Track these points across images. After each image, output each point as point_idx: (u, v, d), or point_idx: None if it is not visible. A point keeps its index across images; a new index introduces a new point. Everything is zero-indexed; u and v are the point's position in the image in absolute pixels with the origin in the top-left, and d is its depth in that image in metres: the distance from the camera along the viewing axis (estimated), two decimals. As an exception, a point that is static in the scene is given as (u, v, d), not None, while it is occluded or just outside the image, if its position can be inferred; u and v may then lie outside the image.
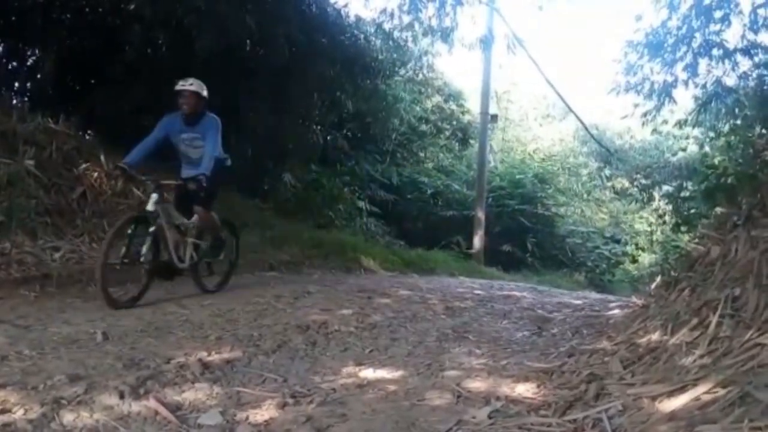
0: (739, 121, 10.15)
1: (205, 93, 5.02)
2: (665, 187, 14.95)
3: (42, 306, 4.13)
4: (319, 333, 3.82)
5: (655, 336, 2.91)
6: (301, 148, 10.80)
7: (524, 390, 2.63)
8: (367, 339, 3.80)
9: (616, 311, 4.89)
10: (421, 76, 15.83)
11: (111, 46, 7.86)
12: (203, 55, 7.53)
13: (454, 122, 16.80)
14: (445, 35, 10.46)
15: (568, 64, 40.40)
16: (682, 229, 11.94)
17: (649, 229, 19.65)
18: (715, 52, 9.05)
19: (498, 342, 3.85)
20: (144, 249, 4.53)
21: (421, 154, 16.86)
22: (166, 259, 4.82)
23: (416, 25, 10.63)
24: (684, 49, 9.23)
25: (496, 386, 2.70)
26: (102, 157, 6.78)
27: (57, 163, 6.39)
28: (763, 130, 7.98)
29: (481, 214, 14.42)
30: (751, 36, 8.79)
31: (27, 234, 5.39)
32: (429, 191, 15.63)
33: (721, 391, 1.98)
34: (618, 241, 19.44)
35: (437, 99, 17.36)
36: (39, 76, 8.52)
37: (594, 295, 8.48)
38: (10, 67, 8.60)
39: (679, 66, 9.42)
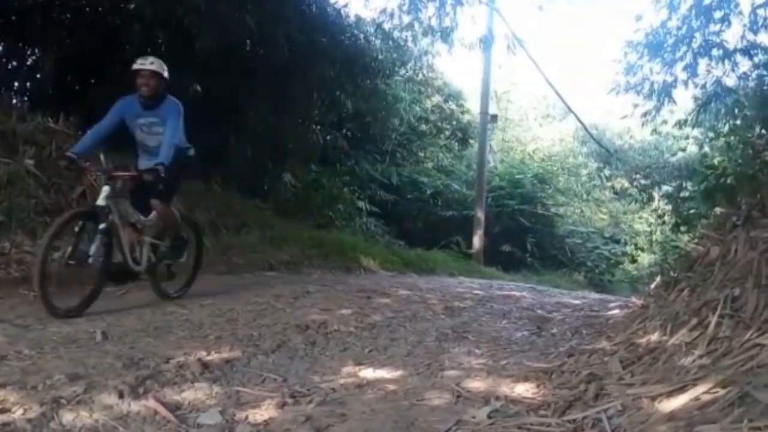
0: (738, 122, 10.17)
1: (166, 74, 4.58)
2: (665, 188, 14.97)
3: (41, 305, 4.12)
4: (318, 333, 3.82)
5: (654, 336, 2.91)
6: (301, 148, 10.79)
7: (524, 390, 2.63)
8: (367, 339, 3.80)
9: (616, 311, 4.89)
10: (420, 76, 15.82)
11: (111, 45, 7.84)
12: (203, 54, 7.53)
13: (454, 122, 16.79)
14: (445, 35, 10.47)
15: (568, 64, 40.45)
16: (682, 229, 11.95)
17: (648, 229, 19.66)
18: (714, 52, 9.07)
19: (497, 342, 3.85)
20: (92, 249, 4.02)
21: (421, 154, 16.86)
22: (120, 261, 4.30)
23: (416, 25, 10.65)
24: (684, 49, 9.24)
25: (496, 386, 2.70)
26: (101, 157, 6.74)
27: (57, 162, 6.38)
28: (763, 131, 7.99)
29: (480, 214, 14.42)
30: (750, 36, 8.81)
31: (27, 233, 5.37)
32: (429, 191, 15.63)
33: (721, 392, 1.98)
34: (617, 242, 19.45)
35: (437, 99, 17.36)
36: (39, 75, 8.51)
37: (593, 295, 8.48)
38: (9, 66, 8.59)
39: (679, 66, 9.44)
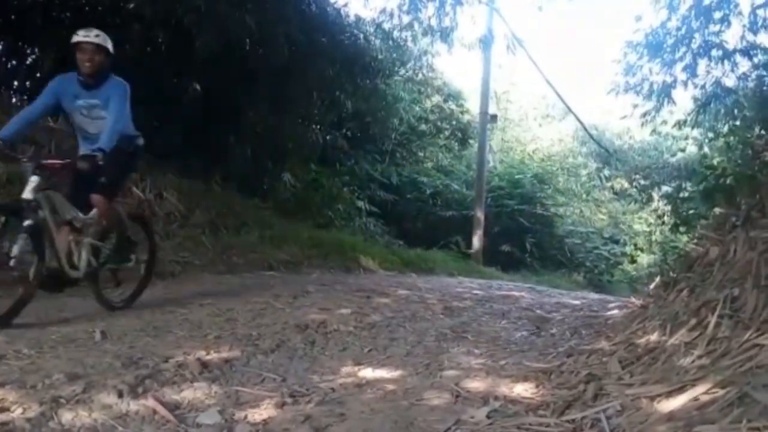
0: (738, 122, 10.19)
1: (111, 48, 3.96)
2: (664, 188, 14.98)
3: (41, 305, 4.12)
4: (317, 332, 3.82)
5: (653, 336, 2.91)
6: (301, 148, 10.80)
7: (523, 390, 2.63)
8: (366, 338, 3.80)
9: (615, 311, 4.89)
10: (420, 75, 15.83)
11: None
12: (203, 54, 7.53)
13: (454, 122, 16.81)
14: (445, 35, 10.49)
15: (568, 64, 40.49)
16: (681, 229, 11.97)
17: (648, 229, 19.68)
18: (714, 52, 9.09)
19: (497, 342, 3.85)
20: (15, 250, 3.46)
21: (421, 154, 16.86)
22: (55, 265, 3.72)
23: (416, 25, 10.66)
24: (683, 49, 9.26)
25: (495, 386, 2.70)
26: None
27: (56, 162, 6.38)
28: (762, 131, 8.00)
29: (480, 214, 14.43)
30: (750, 37, 8.83)
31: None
32: (428, 191, 15.64)
33: (720, 392, 1.98)
34: (617, 242, 19.46)
35: (437, 99, 17.37)
36: (38, 74, 8.50)
37: (593, 296, 8.49)
38: (9, 65, 8.59)
39: (679, 66, 9.46)
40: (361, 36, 11.09)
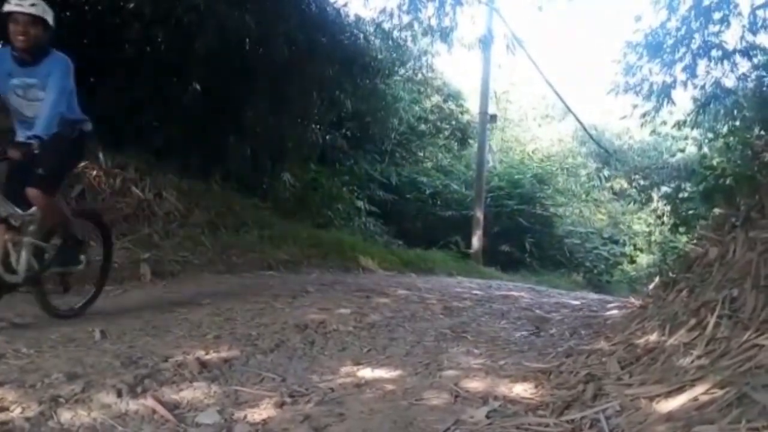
0: (737, 123, 10.20)
1: (51, 21, 3.54)
2: (664, 188, 14.96)
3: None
4: (317, 332, 3.82)
5: (652, 337, 2.91)
6: (300, 148, 10.79)
7: (522, 390, 2.63)
8: (366, 338, 3.80)
9: (614, 312, 4.90)
10: (420, 75, 15.81)
11: (110, 44, 7.85)
12: (202, 54, 7.52)
13: (453, 122, 16.79)
14: (445, 35, 10.49)
15: (568, 65, 40.47)
16: (681, 230, 11.95)
17: (647, 229, 19.68)
18: (714, 53, 9.09)
19: (496, 342, 3.85)
20: None
21: (420, 154, 16.86)
22: None
23: (416, 25, 10.66)
24: (683, 50, 9.26)
25: (494, 386, 2.70)
26: (101, 155, 6.77)
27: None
28: (762, 132, 8.01)
29: (479, 214, 14.43)
30: (750, 37, 8.83)
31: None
32: (428, 191, 15.63)
33: (719, 392, 1.98)
34: (616, 242, 19.46)
35: (436, 99, 17.36)
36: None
37: (592, 296, 8.49)
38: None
39: (678, 67, 9.46)
40: (361, 36, 11.09)
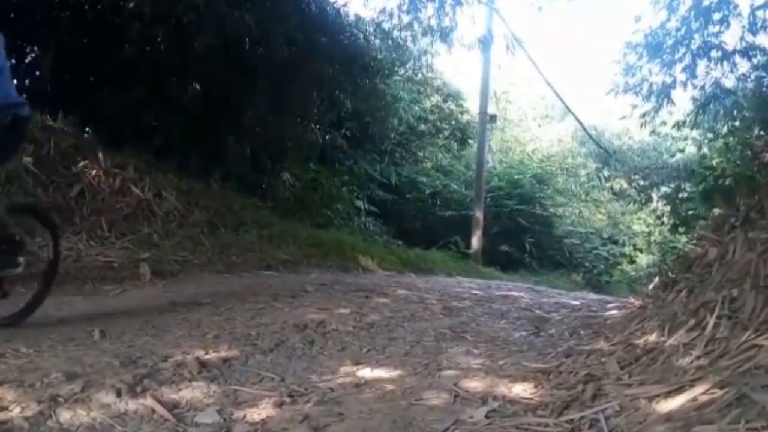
0: (737, 123, 10.20)
1: None
2: (663, 189, 14.98)
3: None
4: (316, 332, 3.82)
5: (652, 337, 2.91)
6: (300, 147, 10.80)
7: (521, 390, 2.63)
8: (365, 338, 3.80)
9: (614, 312, 4.89)
10: (420, 75, 15.83)
11: (110, 43, 7.85)
12: (202, 53, 7.53)
13: (453, 122, 16.80)
14: (445, 35, 10.51)
15: (568, 65, 40.48)
16: (680, 230, 11.96)
17: (647, 230, 19.68)
18: (713, 53, 9.10)
19: (496, 342, 3.85)
20: None
21: (420, 154, 16.86)
22: None
23: (415, 25, 10.68)
24: (683, 50, 9.27)
25: (494, 386, 2.70)
26: (100, 155, 6.77)
27: (55, 160, 6.39)
28: (762, 132, 8.01)
29: (479, 214, 14.43)
30: (749, 38, 8.84)
31: (25, 232, 5.36)
32: (427, 191, 15.64)
33: (718, 393, 1.98)
34: (616, 242, 19.46)
35: (436, 99, 17.37)
36: (38, 73, 8.51)
37: (592, 296, 8.49)
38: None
39: (678, 67, 9.47)
40: (361, 36, 11.10)
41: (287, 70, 8.90)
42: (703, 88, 9.66)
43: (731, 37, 9.03)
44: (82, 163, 6.57)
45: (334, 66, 9.89)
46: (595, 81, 44.55)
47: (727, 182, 6.61)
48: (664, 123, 12.67)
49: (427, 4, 10.05)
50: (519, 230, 15.61)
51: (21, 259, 3.43)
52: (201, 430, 2.19)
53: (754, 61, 9.09)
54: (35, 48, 8.52)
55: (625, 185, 18.53)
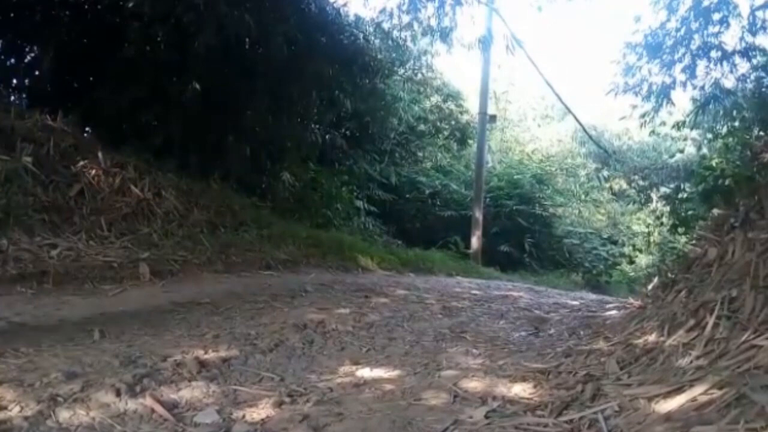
0: (737, 123, 10.20)
1: None
2: (663, 189, 14.98)
3: (39, 303, 4.12)
4: (316, 332, 3.82)
5: (651, 337, 2.91)
6: (300, 147, 10.79)
7: (521, 390, 2.63)
8: (364, 338, 3.80)
9: (613, 312, 4.89)
10: (419, 75, 15.82)
11: (110, 43, 7.85)
12: (202, 52, 7.53)
13: (453, 122, 16.78)
14: (444, 35, 10.49)
15: (567, 65, 40.45)
16: (680, 230, 11.96)
17: (646, 230, 19.66)
18: (713, 54, 9.09)
19: (495, 342, 3.85)
20: None
21: (420, 154, 16.86)
22: None
23: (415, 25, 10.67)
24: (682, 50, 9.26)
25: (493, 386, 2.70)
26: (100, 155, 6.77)
27: (55, 160, 6.38)
28: (761, 132, 8.02)
29: (479, 214, 14.42)
30: (749, 38, 8.82)
31: (24, 231, 5.37)
32: (427, 191, 15.63)
33: (718, 393, 1.99)
34: (615, 242, 19.47)
35: (436, 99, 17.36)
36: (37, 72, 8.51)
37: (591, 296, 8.48)
38: (8, 63, 8.58)
39: (678, 67, 9.45)
40: (361, 35, 11.10)
41: (287, 70, 8.90)
42: (702, 88, 9.65)
43: (731, 38, 9.03)
44: (81, 163, 6.57)
45: (334, 66, 9.88)
46: (595, 81, 44.52)
47: (727, 182, 6.62)
48: (663, 123, 12.67)
49: (427, 4, 10.04)
50: (518, 230, 15.60)
51: None
52: (200, 430, 2.19)
53: (754, 61, 9.08)
54: (35, 48, 8.52)
55: (625, 185, 18.53)
